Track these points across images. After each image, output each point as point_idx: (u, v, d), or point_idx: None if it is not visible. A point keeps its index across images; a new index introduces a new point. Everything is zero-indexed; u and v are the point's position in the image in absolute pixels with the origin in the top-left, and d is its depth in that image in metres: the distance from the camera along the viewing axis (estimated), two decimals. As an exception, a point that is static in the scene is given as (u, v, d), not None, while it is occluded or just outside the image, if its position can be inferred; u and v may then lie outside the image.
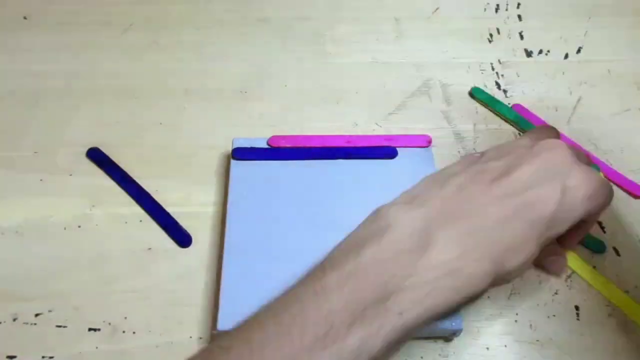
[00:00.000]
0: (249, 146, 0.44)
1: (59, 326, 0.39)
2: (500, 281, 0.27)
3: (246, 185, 0.42)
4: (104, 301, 0.40)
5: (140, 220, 0.44)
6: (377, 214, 0.28)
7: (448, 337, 0.38)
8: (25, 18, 0.58)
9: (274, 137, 0.45)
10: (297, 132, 0.47)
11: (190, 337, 0.38)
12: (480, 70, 0.55)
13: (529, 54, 0.56)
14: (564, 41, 0.58)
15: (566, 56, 0.56)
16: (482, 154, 0.31)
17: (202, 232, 0.43)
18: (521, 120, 0.50)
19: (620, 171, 0.47)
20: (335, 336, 0.23)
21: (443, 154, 0.48)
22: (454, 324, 0.36)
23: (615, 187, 0.47)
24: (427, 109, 0.52)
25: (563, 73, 0.55)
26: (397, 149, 0.45)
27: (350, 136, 0.46)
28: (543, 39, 0.58)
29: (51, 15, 0.58)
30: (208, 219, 0.44)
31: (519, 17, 0.60)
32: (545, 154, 0.29)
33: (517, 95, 0.53)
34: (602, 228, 0.44)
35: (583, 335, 0.39)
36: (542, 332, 0.39)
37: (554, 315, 0.40)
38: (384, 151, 0.45)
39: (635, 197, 0.46)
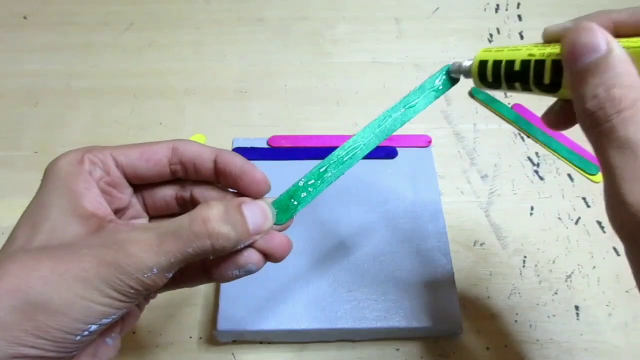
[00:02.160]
0: (249, 146, 0.44)
1: (59, 326, 0.39)
2: None
3: (246, 185, 0.42)
4: (104, 301, 0.40)
5: (140, 220, 0.44)
6: None
7: (448, 337, 0.39)
8: (25, 18, 0.58)
9: (273, 137, 0.45)
10: (297, 132, 0.47)
11: (190, 337, 0.39)
12: (480, 70, 0.55)
13: (529, 54, 0.56)
14: (564, 41, 0.57)
15: (566, 56, 0.56)
16: None
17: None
18: (521, 120, 0.50)
19: (620, 171, 0.47)
20: None
21: (443, 154, 0.48)
22: (454, 324, 0.36)
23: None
24: (427, 109, 0.52)
25: (563, 73, 0.55)
26: (397, 149, 0.45)
27: (350, 136, 0.46)
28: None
29: (51, 15, 0.58)
30: (208, 219, 0.44)
31: (519, 17, 0.60)
32: None
33: (517, 95, 0.53)
34: (602, 228, 0.44)
35: (583, 335, 0.39)
36: (542, 332, 0.39)
37: (554, 315, 0.40)
38: (384, 151, 0.45)
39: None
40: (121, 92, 0.52)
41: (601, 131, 0.21)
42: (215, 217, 0.24)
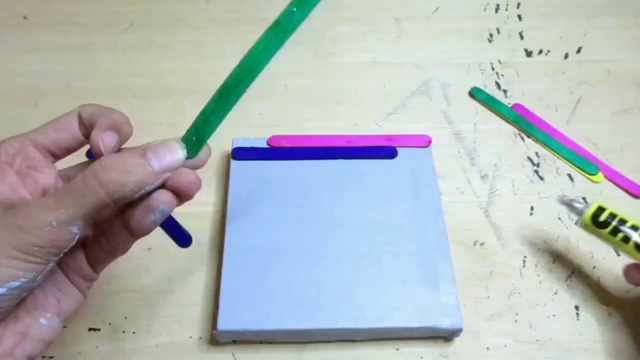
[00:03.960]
0: (248, 146, 0.44)
1: (59, 326, 0.39)
2: None
3: (246, 185, 0.42)
4: (104, 301, 0.40)
5: (140, 220, 0.44)
6: None
7: (448, 337, 0.39)
8: (25, 18, 0.58)
9: (273, 137, 0.45)
10: (297, 132, 0.47)
11: (190, 337, 0.38)
12: (480, 70, 0.55)
13: (529, 54, 0.56)
14: (564, 41, 0.58)
15: (566, 56, 0.56)
16: None
17: (202, 232, 0.43)
18: (521, 120, 0.50)
19: (620, 171, 0.47)
20: None
21: (443, 154, 0.48)
22: (454, 324, 0.36)
23: (615, 187, 0.47)
24: (427, 109, 0.52)
25: (563, 73, 0.55)
26: (397, 149, 0.45)
27: (350, 136, 0.46)
28: (543, 39, 0.58)
29: (51, 15, 0.58)
30: (208, 219, 0.44)
31: (519, 17, 0.60)
32: None
33: (517, 95, 0.53)
34: (602, 228, 0.44)
35: (583, 335, 0.39)
36: (542, 332, 0.39)
37: (554, 315, 0.40)
38: (384, 151, 0.45)
39: (635, 197, 0.46)
40: (121, 92, 0.52)
41: None
42: (105, 166, 0.25)
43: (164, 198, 0.28)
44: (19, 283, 0.24)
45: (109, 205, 0.25)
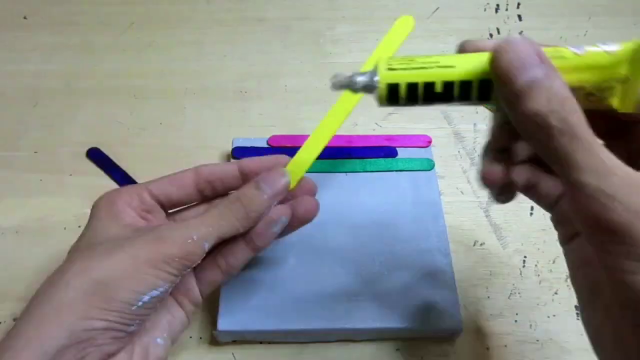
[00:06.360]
0: (248, 146, 0.44)
1: (59, 326, 0.39)
2: None
3: (246, 185, 0.42)
4: (104, 301, 0.40)
5: (140, 220, 0.44)
6: None
7: (448, 337, 0.39)
8: (25, 18, 0.58)
9: (273, 137, 0.45)
10: (297, 132, 0.47)
11: (190, 337, 0.38)
12: (480, 70, 0.55)
13: (529, 54, 0.56)
14: (564, 41, 0.58)
15: (566, 56, 0.56)
16: None
17: (202, 232, 0.43)
18: (521, 120, 0.50)
19: (620, 171, 0.47)
20: None
21: (443, 154, 0.48)
22: (454, 324, 0.36)
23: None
24: (427, 109, 0.52)
25: (563, 73, 0.55)
26: (397, 149, 0.45)
27: (350, 136, 0.46)
28: (543, 39, 0.57)
29: (51, 15, 0.58)
30: (208, 219, 0.44)
31: (519, 17, 0.60)
32: None
33: (517, 95, 0.53)
34: (602, 228, 0.44)
35: (583, 335, 0.39)
36: (542, 332, 0.39)
37: (554, 315, 0.40)
38: (384, 151, 0.45)
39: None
40: (121, 92, 0.52)
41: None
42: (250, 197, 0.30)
43: (282, 211, 0.31)
44: (158, 292, 0.27)
45: (238, 230, 0.30)
